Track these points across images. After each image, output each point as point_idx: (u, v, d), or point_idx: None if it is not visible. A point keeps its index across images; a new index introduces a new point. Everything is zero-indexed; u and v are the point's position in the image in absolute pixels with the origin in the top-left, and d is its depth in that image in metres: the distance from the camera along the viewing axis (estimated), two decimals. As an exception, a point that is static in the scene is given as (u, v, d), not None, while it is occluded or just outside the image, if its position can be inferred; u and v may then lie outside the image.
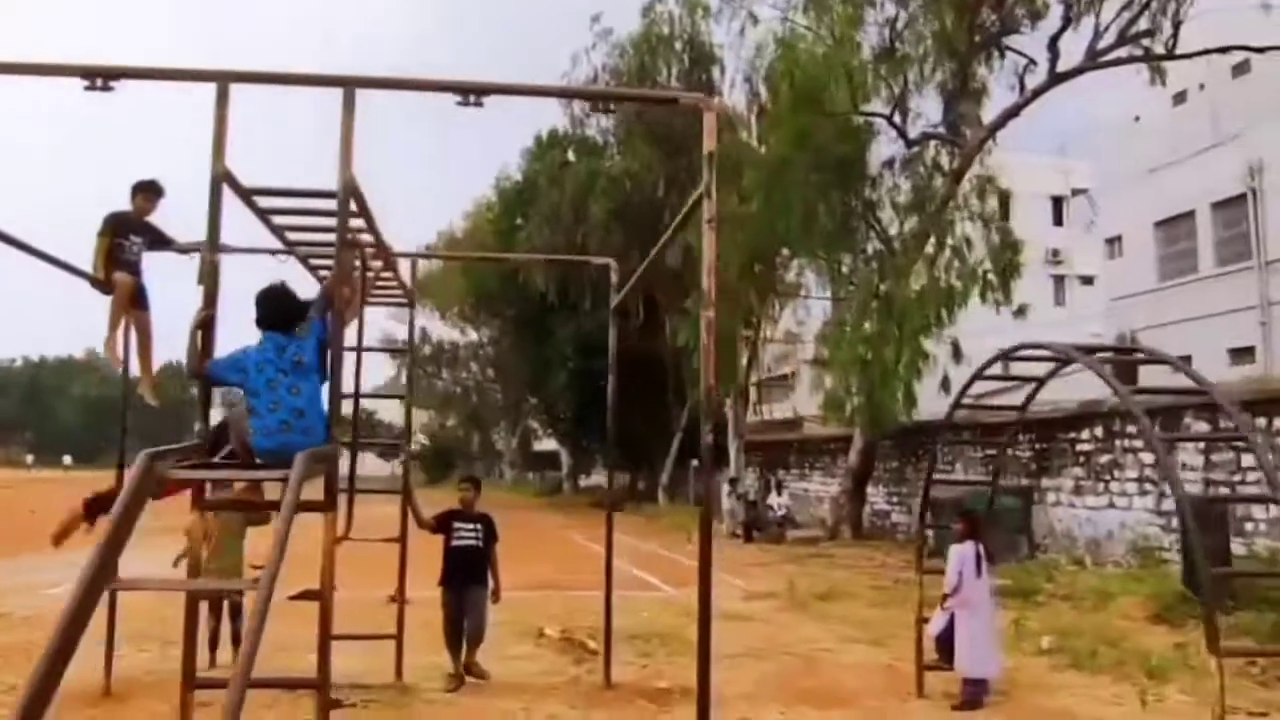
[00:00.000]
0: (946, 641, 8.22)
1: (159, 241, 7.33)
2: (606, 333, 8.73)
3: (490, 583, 8.42)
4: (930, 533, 9.65)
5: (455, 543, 8.40)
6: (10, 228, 5.86)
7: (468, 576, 8.37)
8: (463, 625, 8.31)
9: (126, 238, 7.13)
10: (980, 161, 20.80)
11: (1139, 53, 19.76)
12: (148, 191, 7.25)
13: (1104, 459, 16.48)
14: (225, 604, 8.78)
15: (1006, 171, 41.35)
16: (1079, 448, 17.06)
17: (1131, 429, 15.85)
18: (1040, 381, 7.70)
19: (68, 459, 63.20)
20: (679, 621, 11.91)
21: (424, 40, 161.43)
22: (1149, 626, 11.60)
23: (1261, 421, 13.53)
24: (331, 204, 4.73)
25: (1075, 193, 45.81)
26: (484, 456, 68.28)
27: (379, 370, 55.97)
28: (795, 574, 16.59)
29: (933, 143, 23.33)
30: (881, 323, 18.25)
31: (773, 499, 26.36)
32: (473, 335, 48.45)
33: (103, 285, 6.99)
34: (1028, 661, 9.76)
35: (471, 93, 4.75)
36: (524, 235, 33.82)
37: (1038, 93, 20.29)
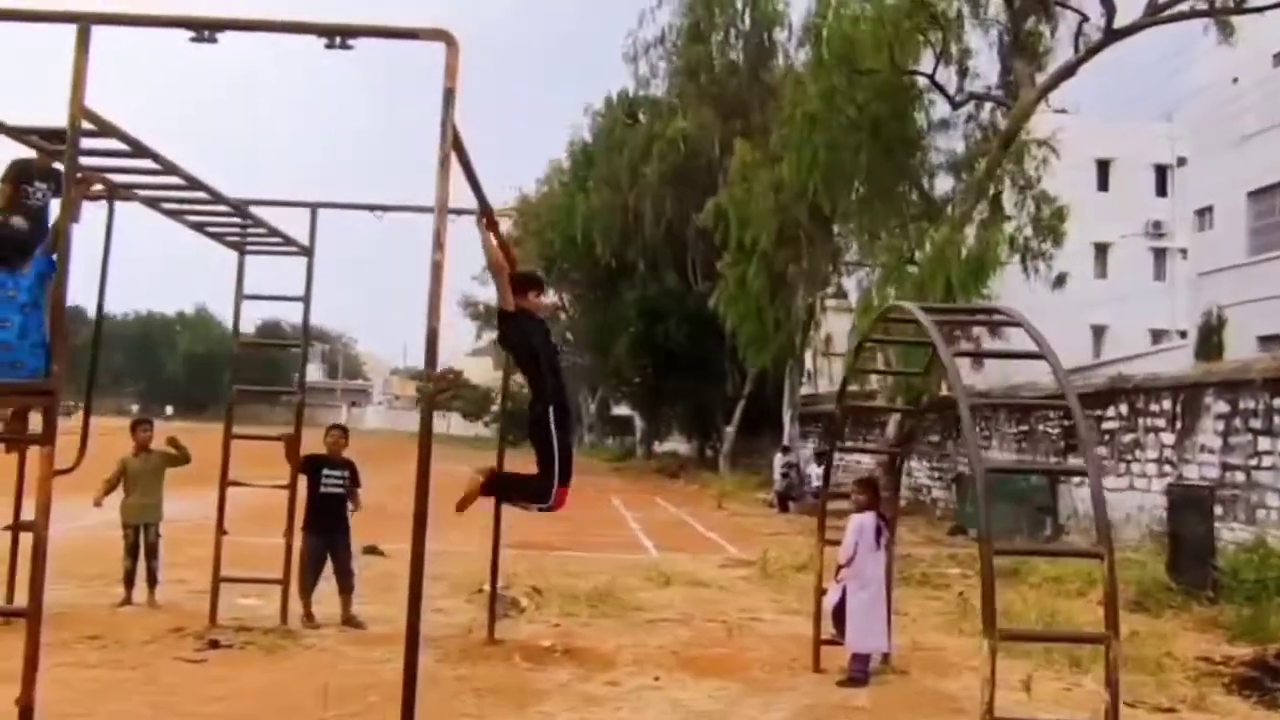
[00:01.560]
0: (841, 614, 7.91)
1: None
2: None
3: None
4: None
5: (323, 489, 8.56)
6: None
7: (335, 523, 8.54)
8: (321, 570, 8.47)
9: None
10: (1027, 126, 19.63)
11: (1203, 6, 18.32)
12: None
13: (1127, 438, 15.57)
14: (142, 545, 9.06)
15: (1105, 138, 38.76)
16: (1105, 425, 16.15)
17: (1155, 407, 14.93)
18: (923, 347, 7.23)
19: (169, 410, 66.16)
20: (632, 584, 11.80)
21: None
22: (1125, 615, 10.92)
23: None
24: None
25: (1181, 162, 43.11)
26: (565, 420, 68.80)
27: (460, 333, 56.79)
28: (801, 545, 16.21)
29: (988, 105, 22.21)
30: (910, 292, 17.51)
31: (811, 469, 25.87)
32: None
33: None
34: (958, 642, 9.32)
35: (205, 28, 4.69)
36: (582, 197, 33.85)
37: (1092, 51, 19.01)
